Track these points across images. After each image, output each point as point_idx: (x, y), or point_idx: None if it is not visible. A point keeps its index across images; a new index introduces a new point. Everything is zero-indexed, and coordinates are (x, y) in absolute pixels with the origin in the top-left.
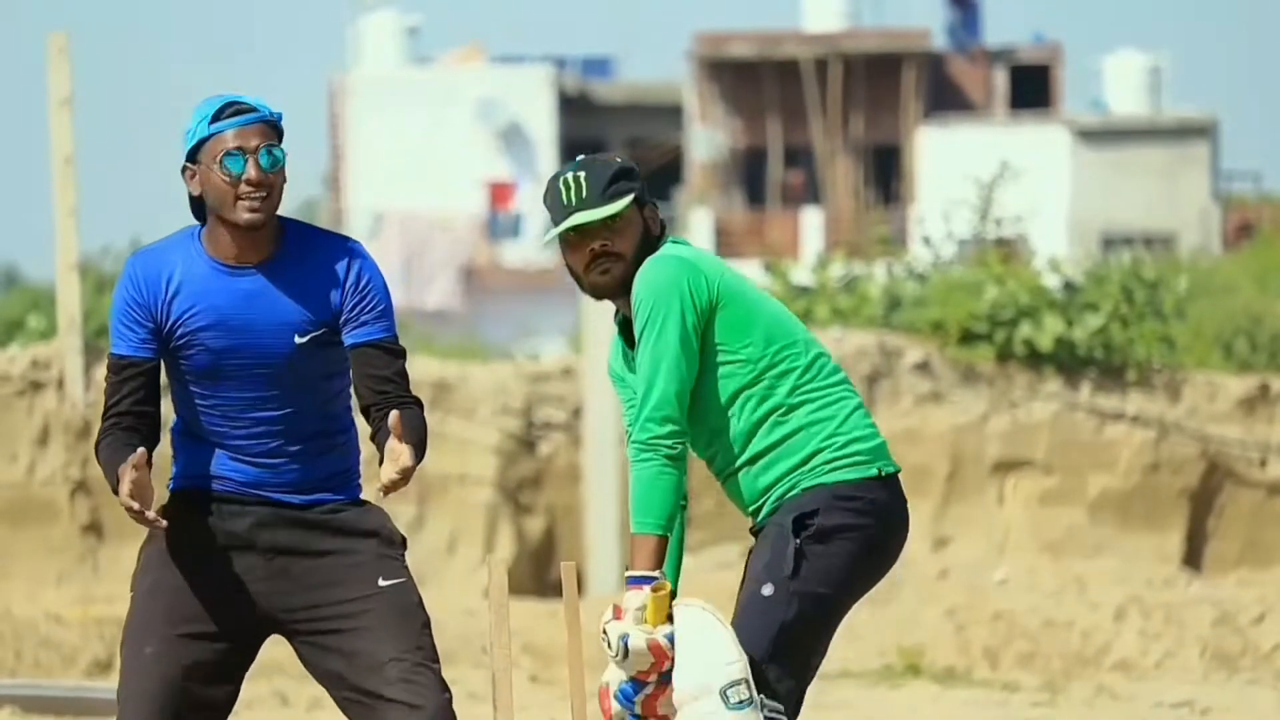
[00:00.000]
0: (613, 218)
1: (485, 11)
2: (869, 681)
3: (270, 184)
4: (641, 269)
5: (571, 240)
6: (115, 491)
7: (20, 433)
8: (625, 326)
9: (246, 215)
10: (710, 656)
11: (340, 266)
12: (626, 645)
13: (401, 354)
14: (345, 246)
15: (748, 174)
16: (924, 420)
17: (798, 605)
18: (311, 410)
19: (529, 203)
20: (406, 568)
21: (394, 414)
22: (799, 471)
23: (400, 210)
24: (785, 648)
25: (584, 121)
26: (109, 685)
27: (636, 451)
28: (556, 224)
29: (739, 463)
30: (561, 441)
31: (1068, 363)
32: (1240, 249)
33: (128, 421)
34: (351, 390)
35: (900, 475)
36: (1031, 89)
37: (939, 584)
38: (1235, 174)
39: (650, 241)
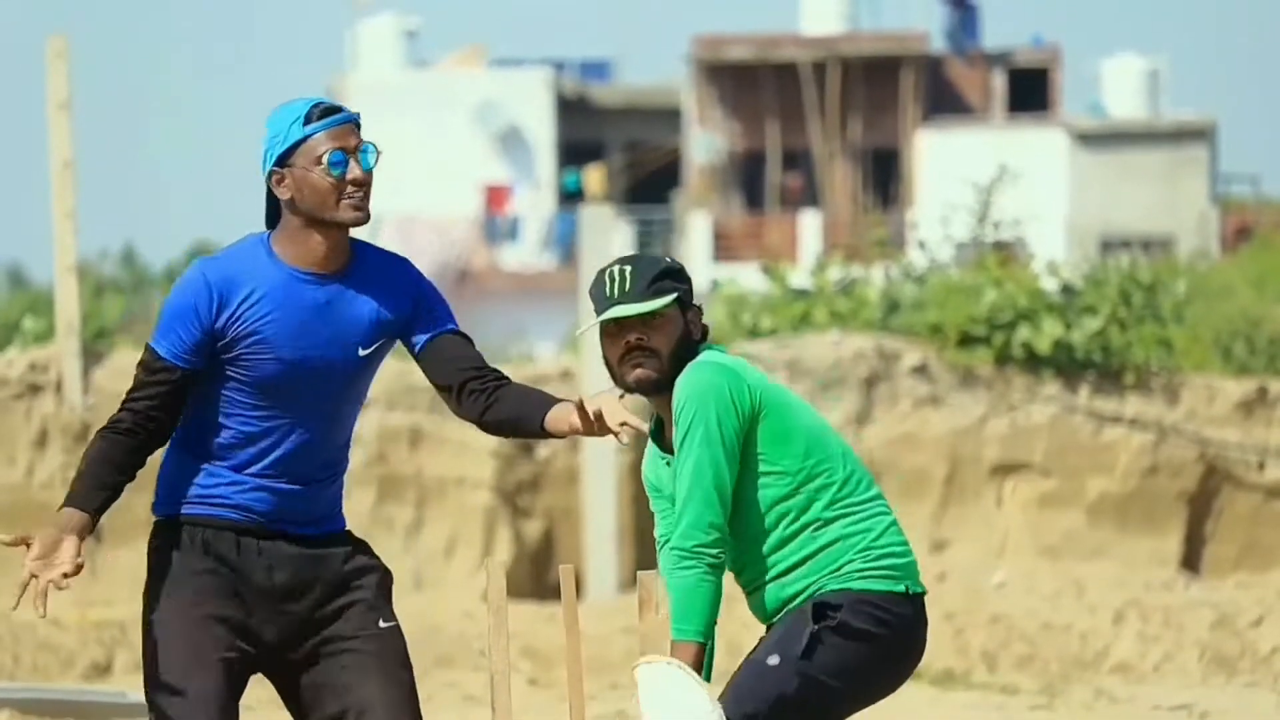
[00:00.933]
0: (651, 314)
1: (484, 15)
2: None
3: (370, 183)
4: (684, 374)
5: (610, 331)
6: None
7: (18, 436)
8: (658, 432)
9: (352, 214)
10: (687, 709)
11: (406, 279)
12: None
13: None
14: (404, 261)
15: (746, 177)
16: (922, 423)
17: (799, 685)
18: (342, 431)
19: (527, 205)
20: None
21: (574, 403)
22: (826, 576)
23: (399, 213)
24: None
25: (582, 124)
26: (107, 688)
27: (678, 559)
28: (599, 314)
29: (770, 575)
30: (560, 445)
31: (1066, 366)
32: (1238, 252)
33: (137, 422)
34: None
35: (924, 598)
36: (1030, 92)
37: (937, 587)
38: (1233, 177)
39: (690, 345)
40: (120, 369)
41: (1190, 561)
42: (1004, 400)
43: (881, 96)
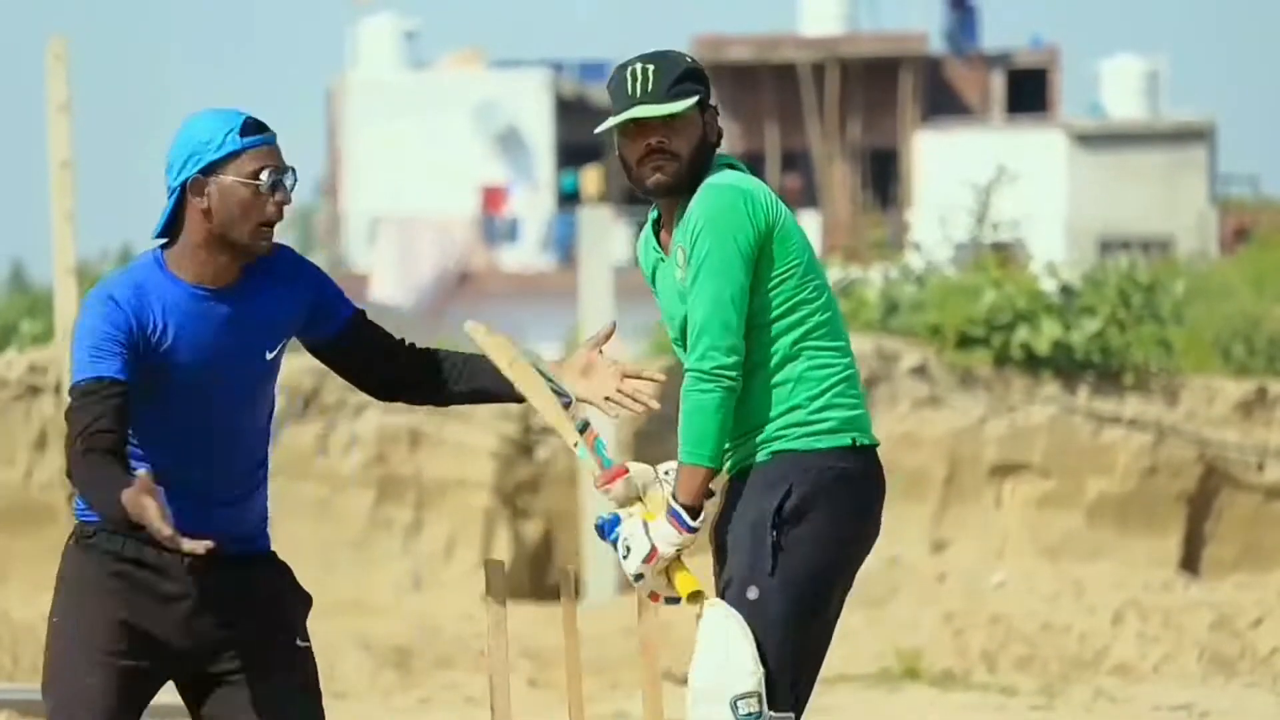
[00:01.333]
0: (673, 116)
1: (483, 15)
2: (866, 685)
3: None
4: (701, 194)
5: (629, 132)
6: (111, 513)
7: (18, 437)
8: (656, 224)
9: (265, 245)
10: (730, 661)
11: (298, 272)
12: (638, 572)
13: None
14: (286, 251)
15: None
16: (922, 424)
17: (789, 597)
18: (259, 441)
19: (525, 206)
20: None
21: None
22: (771, 429)
23: (398, 214)
24: (783, 645)
25: (581, 125)
26: None
27: (696, 380)
28: (617, 114)
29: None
30: (559, 446)
31: (1065, 366)
32: (1237, 253)
33: (108, 442)
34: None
35: (877, 449)
36: (1029, 93)
37: (937, 587)
38: (1233, 178)
39: (706, 149)
40: None
41: (1189, 562)
42: (1003, 401)
43: (880, 97)
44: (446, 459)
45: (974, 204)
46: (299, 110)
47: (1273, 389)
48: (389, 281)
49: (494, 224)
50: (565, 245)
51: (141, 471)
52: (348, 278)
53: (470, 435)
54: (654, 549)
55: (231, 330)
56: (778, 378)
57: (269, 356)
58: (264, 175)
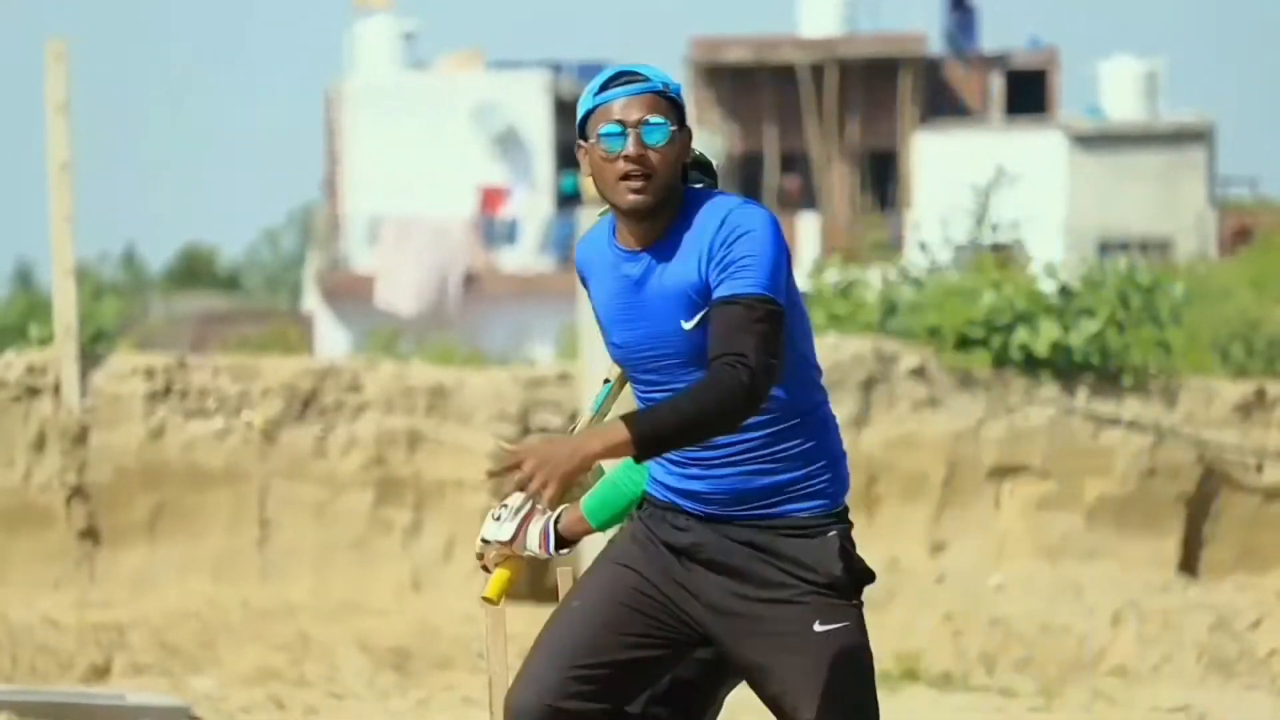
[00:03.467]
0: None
1: (482, 17)
2: None
3: (652, 163)
4: (738, 207)
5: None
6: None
7: (16, 438)
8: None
9: (629, 198)
10: None
11: (709, 231)
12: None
13: (749, 311)
14: (722, 207)
15: (744, 179)
16: (920, 426)
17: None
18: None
19: (524, 208)
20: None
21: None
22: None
23: (397, 215)
24: None
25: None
26: (106, 691)
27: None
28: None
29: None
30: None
31: (1064, 368)
32: (1237, 254)
33: None
34: (809, 374)
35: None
36: (1028, 94)
37: (935, 589)
38: (1232, 179)
39: (681, 170)
40: (118, 372)
41: (1188, 564)
42: (1002, 402)
43: (879, 98)
44: (445, 460)
45: (973, 205)
46: (298, 111)
47: (1272, 390)
48: (388, 283)
49: (493, 225)
50: (564, 246)
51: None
52: (348, 279)
53: (469, 437)
54: (517, 540)
55: (640, 296)
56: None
57: (686, 326)
58: (601, 130)
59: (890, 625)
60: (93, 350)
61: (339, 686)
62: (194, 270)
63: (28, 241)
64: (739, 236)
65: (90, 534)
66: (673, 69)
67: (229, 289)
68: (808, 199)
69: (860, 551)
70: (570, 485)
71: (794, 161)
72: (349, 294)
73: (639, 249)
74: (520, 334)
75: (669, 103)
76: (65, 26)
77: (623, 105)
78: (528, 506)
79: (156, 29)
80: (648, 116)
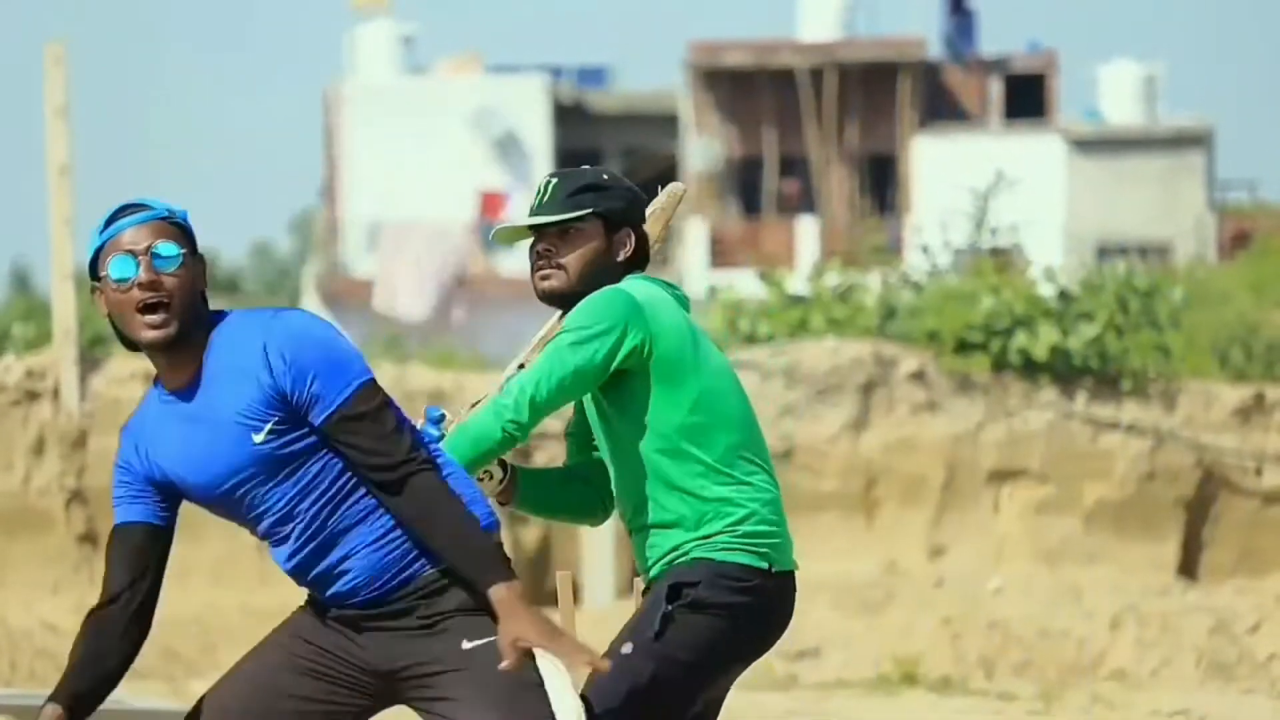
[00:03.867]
0: (564, 226)
1: (481, 21)
2: (864, 691)
3: (167, 288)
4: (598, 291)
5: (531, 239)
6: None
7: (15, 442)
8: None
9: (149, 333)
10: (558, 711)
11: (256, 356)
12: None
13: (367, 412)
14: (258, 326)
15: (743, 183)
16: (919, 429)
17: (654, 667)
18: (346, 533)
19: (524, 212)
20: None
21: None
22: (694, 542)
23: (396, 220)
24: (634, 709)
25: (579, 131)
26: None
27: (498, 415)
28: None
29: (650, 522)
30: (557, 451)
31: (1063, 372)
32: (1236, 258)
33: (98, 610)
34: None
35: (795, 576)
36: (1027, 98)
37: (934, 593)
38: (1231, 183)
39: (608, 264)
40: (117, 376)
41: (1187, 567)
42: (1001, 406)
43: (878, 103)
44: None
45: (972, 209)
46: (297, 115)
47: (1271, 394)
48: (387, 287)
49: (492, 229)
50: None
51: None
52: (347, 283)
53: None
54: None
55: (200, 430)
56: (695, 504)
57: (257, 439)
58: (110, 262)
59: (889, 628)
60: (91, 354)
61: None
62: None
63: (27, 245)
64: (297, 344)
65: (89, 538)
66: (672, 72)
67: (229, 293)
68: (807, 203)
69: (860, 554)
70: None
71: (793, 165)
72: (348, 298)
73: (184, 388)
74: (519, 338)
75: (177, 228)
76: (65, 29)
77: (131, 235)
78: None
79: (156, 32)
80: (156, 243)
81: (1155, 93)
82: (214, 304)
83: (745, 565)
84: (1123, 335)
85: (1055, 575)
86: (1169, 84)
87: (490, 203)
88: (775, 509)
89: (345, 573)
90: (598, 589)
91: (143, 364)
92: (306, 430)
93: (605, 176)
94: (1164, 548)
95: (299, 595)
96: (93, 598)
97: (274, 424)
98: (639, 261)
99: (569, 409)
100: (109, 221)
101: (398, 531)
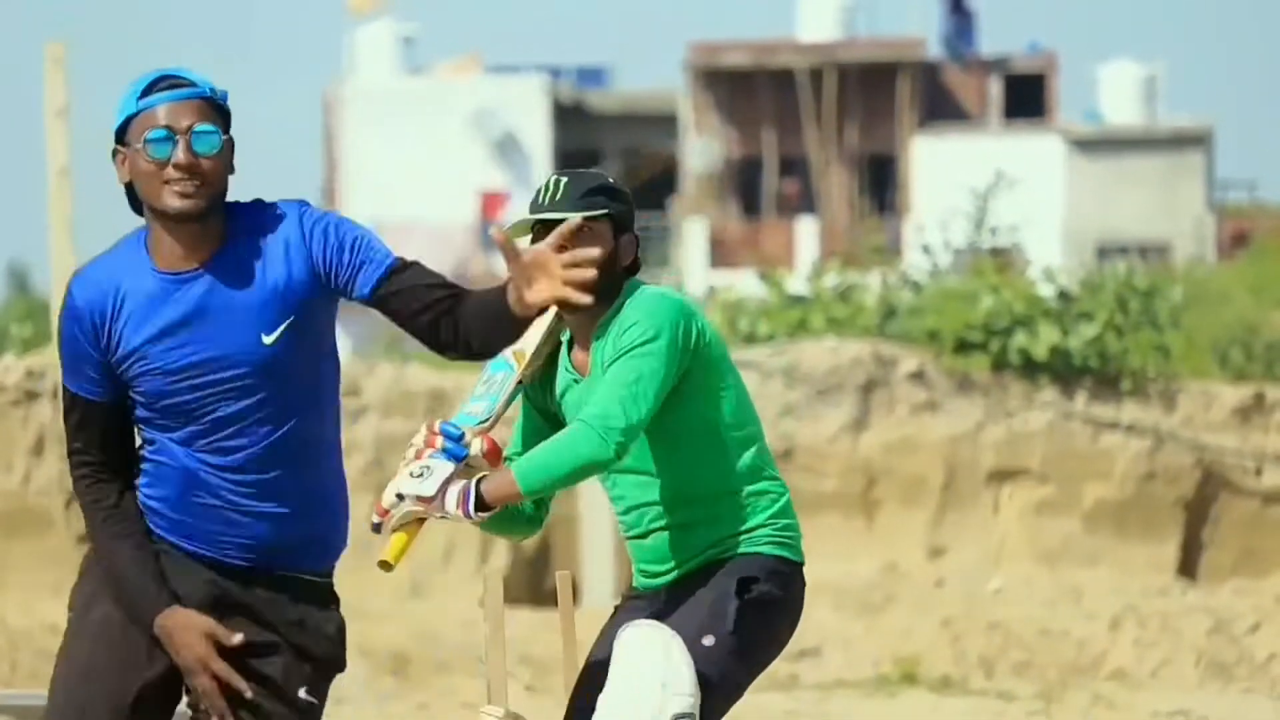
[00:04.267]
0: (582, 224)
1: (480, 22)
2: (865, 691)
3: (203, 170)
4: (636, 297)
5: (536, 236)
6: (136, 616)
7: (15, 442)
8: (569, 349)
9: (177, 201)
10: (669, 679)
11: (293, 234)
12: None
13: (414, 261)
14: (286, 213)
15: (743, 183)
16: (919, 429)
17: (732, 662)
18: (300, 427)
19: (523, 212)
20: (325, 692)
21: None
22: (736, 537)
23: (396, 220)
24: (712, 701)
25: (579, 131)
26: None
27: (592, 430)
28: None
29: (676, 520)
30: None
31: (1063, 372)
32: (1235, 258)
33: (105, 471)
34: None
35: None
36: (1026, 98)
37: (935, 593)
38: (1230, 183)
39: (615, 269)
40: None
41: (1187, 568)
42: (1001, 406)
43: (878, 103)
44: None
45: (972, 209)
46: (297, 116)
47: (1270, 394)
48: None
49: (499, 225)
50: None
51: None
52: None
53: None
54: (437, 499)
55: (205, 319)
56: (735, 499)
57: (268, 340)
58: (147, 135)
59: (889, 629)
60: None
61: (338, 690)
62: None
63: (26, 246)
64: (336, 218)
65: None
66: (672, 73)
67: None
68: (806, 203)
69: (860, 554)
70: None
71: (793, 166)
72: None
73: (194, 268)
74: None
75: (216, 110)
76: (65, 29)
77: (171, 111)
78: (452, 467)
79: (156, 33)
80: (197, 123)
81: (1155, 93)
82: None
83: (785, 559)
84: (1122, 335)
85: (1055, 575)
86: (1168, 84)
87: (490, 203)
88: (791, 504)
89: (260, 520)
90: (597, 589)
91: None
92: (316, 339)
93: (613, 181)
94: (1164, 548)
95: None
96: None
97: (288, 325)
98: (634, 269)
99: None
100: (146, 90)
101: (325, 514)
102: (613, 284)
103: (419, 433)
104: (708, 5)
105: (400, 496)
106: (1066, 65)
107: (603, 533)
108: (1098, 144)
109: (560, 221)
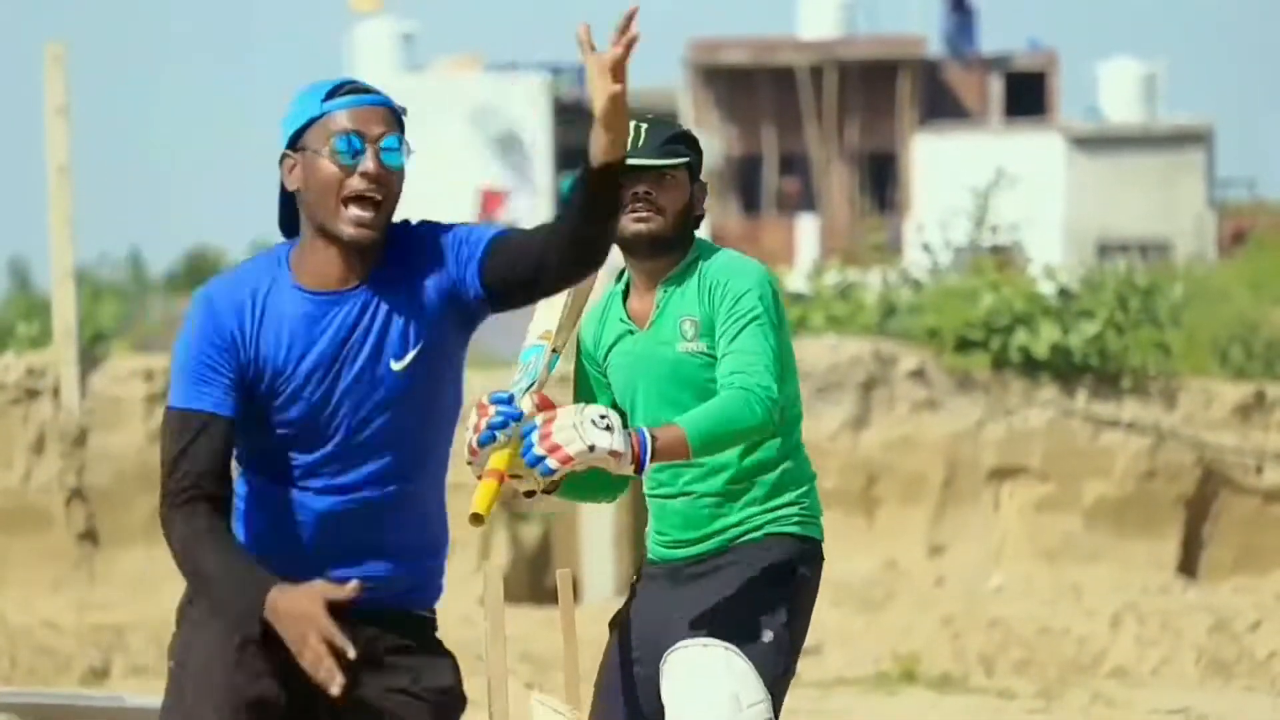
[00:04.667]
0: (663, 171)
1: (481, 19)
2: (865, 689)
3: (388, 184)
4: (726, 254)
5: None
6: (238, 617)
7: (16, 440)
8: (624, 294)
9: (350, 229)
10: (740, 690)
11: (435, 256)
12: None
13: (513, 229)
14: (436, 231)
15: (743, 181)
16: (920, 427)
17: (788, 652)
18: (419, 458)
19: (524, 210)
20: None
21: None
22: (767, 513)
23: (396, 219)
24: (777, 695)
25: (580, 129)
26: (104, 693)
27: (755, 398)
28: None
29: (714, 485)
30: None
31: (1063, 370)
32: (1235, 256)
33: (213, 499)
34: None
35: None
36: (1027, 96)
37: (935, 591)
38: (1230, 181)
39: (690, 217)
40: (117, 374)
41: (1188, 565)
42: (1001, 404)
43: (878, 101)
44: None
45: (972, 207)
46: None
47: (1271, 392)
48: None
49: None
50: None
51: (310, 593)
52: None
53: (469, 438)
54: (621, 449)
55: (352, 340)
56: (774, 473)
57: (396, 367)
58: (337, 141)
59: (889, 627)
60: (92, 352)
61: None
62: (200, 272)
63: (27, 243)
64: (460, 237)
65: (89, 536)
66: (672, 70)
67: None
68: (807, 201)
69: (860, 552)
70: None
71: (793, 163)
72: None
73: (345, 289)
74: (521, 335)
75: (400, 124)
76: (65, 29)
77: (360, 116)
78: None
79: (156, 32)
80: (387, 133)
81: (1155, 91)
82: None
83: (812, 538)
84: (1123, 333)
85: (1055, 573)
86: (1169, 82)
87: (490, 201)
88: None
89: (378, 553)
90: (598, 587)
91: (143, 363)
92: (444, 367)
93: (684, 127)
94: (1164, 546)
95: None
96: (92, 596)
97: (418, 351)
98: (700, 219)
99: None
100: (331, 93)
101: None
102: (685, 232)
103: (471, 412)
104: (708, 3)
105: (592, 448)
106: (1067, 63)
107: (603, 530)
108: (1098, 142)
109: (643, 168)
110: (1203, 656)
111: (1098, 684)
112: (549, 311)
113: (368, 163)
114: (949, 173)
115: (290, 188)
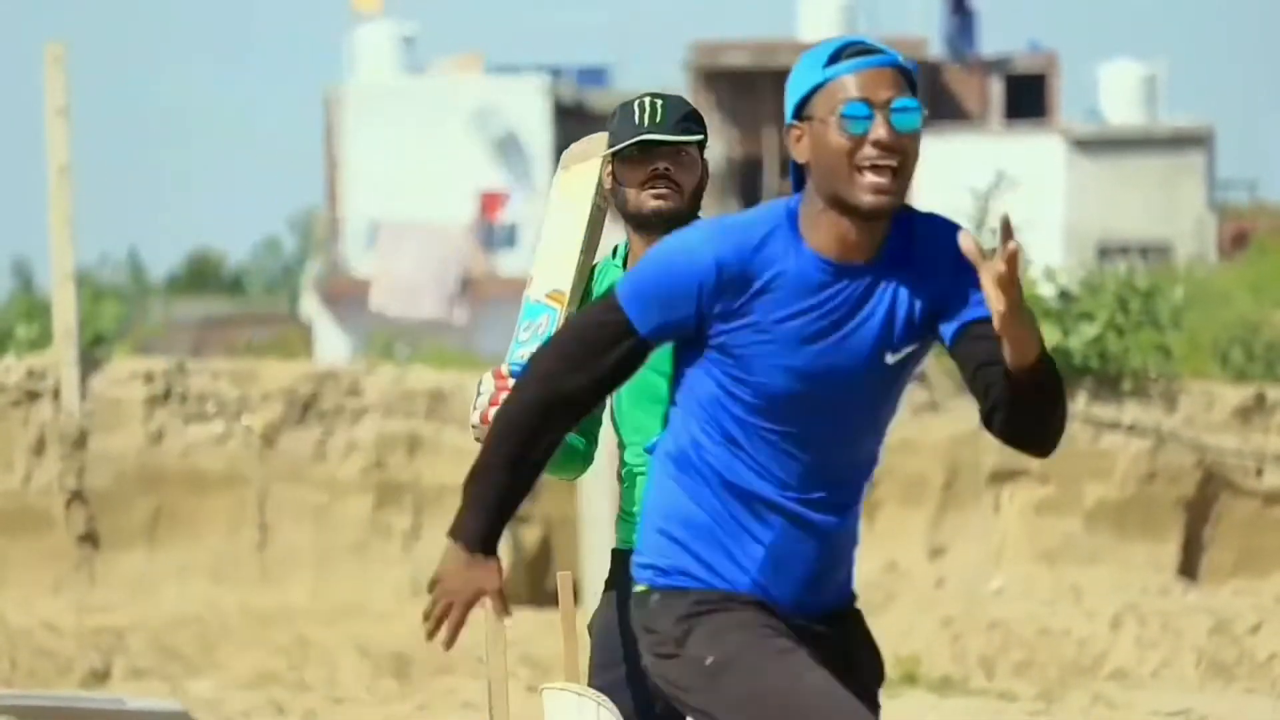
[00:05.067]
0: (680, 148)
1: (481, 21)
2: None
3: (905, 149)
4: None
5: (633, 158)
6: (451, 531)
7: (16, 442)
8: (624, 262)
9: (869, 197)
10: None
11: (956, 254)
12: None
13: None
14: (953, 231)
15: (744, 183)
16: (920, 430)
17: None
18: (868, 455)
19: (524, 212)
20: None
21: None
22: None
23: (396, 220)
24: None
25: (580, 131)
26: (104, 695)
27: None
28: (625, 139)
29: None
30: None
31: (1063, 372)
32: (1236, 258)
33: (568, 408)
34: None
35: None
36: (1027, 98)
37: (935, 593)
38: (1231, 183)
39: (700, 194)
40: (118, 376)
41: (1188, 568)
42: None
43: None
44: (445, 465)
45: (972, 209)
46: (297, 116)
47: (1271, 394)
48: (385, 287)
49: (492, 229)
50: None
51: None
52: (347, 283)
53: (468, 441)
54: None
55: (850, 319)
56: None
57: (890, 360)
58: (842, 108)
59: (889, 629)
60: (92, 354)
61: (339, 690)
62: (202, 274)
63: (29, 245)
64: (967, 261)
65: (89, 538)
66: (672, 73)
67: (234, 293)
68: None
69: (860, 555)
70: None
71: None
72: (348, 298)
73: (860, 261)
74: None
75: (910, 83)
76: (65, 29)
77: (867, 80)
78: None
79: (156, 33)
80: (897, 96)
81: (1155, 93)
82: (215, 305)
83: None
84: (1123, 335)
85: (1056, 575)
86: (1169, 84)
87: (490, 203)
88: None
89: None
90: (598, 589)
91: (143, 365)
92: (914, 370)
93: (694, 107)
94: (1164, 548)
95: (300, 595)
96: (93, 598)
97: (912, 350)
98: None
99: None
100: (834, 56)
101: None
102: (696, 209)
103: (484, 379)
104: (709, 5)
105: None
106: (1067, 65)
107: (603, 533)
108: (1098, 144)
109: (660, 143)
110: (1203, 658)
111: (1098, 686)
112: (559, 268)
113: (879, 130)
114: (949, 175)
115: (800, 160)
